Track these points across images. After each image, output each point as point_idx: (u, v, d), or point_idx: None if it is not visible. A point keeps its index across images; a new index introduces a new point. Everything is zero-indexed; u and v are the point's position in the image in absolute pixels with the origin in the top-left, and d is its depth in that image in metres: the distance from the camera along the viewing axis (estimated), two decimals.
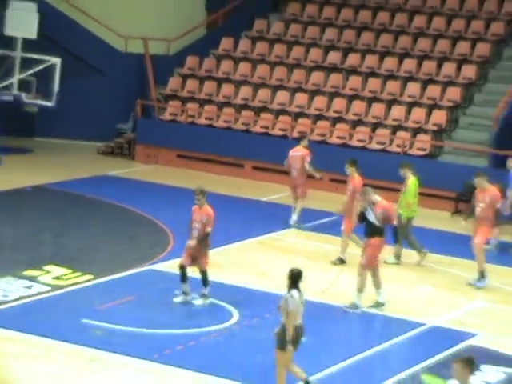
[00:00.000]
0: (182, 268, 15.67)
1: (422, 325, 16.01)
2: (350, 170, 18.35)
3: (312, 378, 12.90)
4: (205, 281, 16.15)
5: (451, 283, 18.45)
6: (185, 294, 15.77)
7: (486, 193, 17.73)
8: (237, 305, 16.33)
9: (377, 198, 16.18)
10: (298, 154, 20.34)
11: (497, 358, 14.83)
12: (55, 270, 17.75)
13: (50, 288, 16.70)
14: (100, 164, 26.57)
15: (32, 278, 17.19)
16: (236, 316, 15.86)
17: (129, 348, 13.97)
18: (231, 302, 16.41)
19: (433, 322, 16.18)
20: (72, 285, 17.06)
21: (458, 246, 20.29)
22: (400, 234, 19.17)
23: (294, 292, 12.34)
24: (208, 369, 13.79)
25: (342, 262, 18.41)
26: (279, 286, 15.36)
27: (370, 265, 16.11)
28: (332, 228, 20.87)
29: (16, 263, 17.99)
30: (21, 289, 16.74)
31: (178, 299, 16.04)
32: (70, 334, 14.65)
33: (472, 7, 27.79)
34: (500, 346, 15.29)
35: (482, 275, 17.89)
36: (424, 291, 17.83)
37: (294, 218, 20.90)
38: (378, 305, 16.29)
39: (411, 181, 19.19)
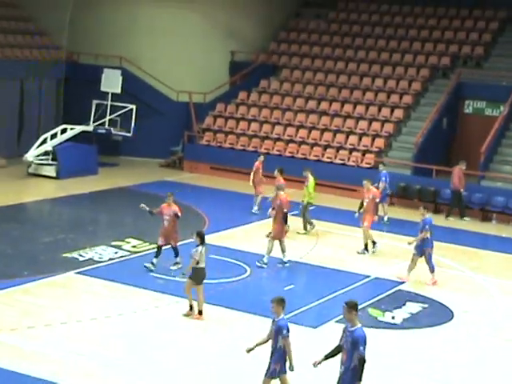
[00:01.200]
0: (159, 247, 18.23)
1: (368, 276, 19.29)
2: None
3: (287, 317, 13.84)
4: (176, 253, 18.43)
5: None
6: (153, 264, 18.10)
7: (370, 192, 21.43)
8: (249, 264, 19.43)
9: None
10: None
11: (415, 298, 17.90)
12: (133, 241, 20.72)
13: (129, 253, 19.72)
14: (161, 173, 30.89)
15: (118, 247, 20.15)
16: (249, 271, 19.06)
17: (181, 292, 16.27)
18: (245, 262, 19.55)
19: (375, 275, 19.28)
20: (143, 251, 19.94)
21: (396, 226, 24.51)
22: (302, 213, 23.06)
23: (199, 247, 15.53)
24: (233, 305, 16.41)
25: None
26: (277, 253, 19.44)
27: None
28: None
29: (107, 237, 21.21)
30: (111, 253, 19.63)
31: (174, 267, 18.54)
32: (142, 282, 17.45)
33: (400, 72, 32.34)
34: (418, 289, 18.48)
35: (365, 247, 21.29)
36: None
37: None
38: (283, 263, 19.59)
39: (311, 179, 23.10)
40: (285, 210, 19.45)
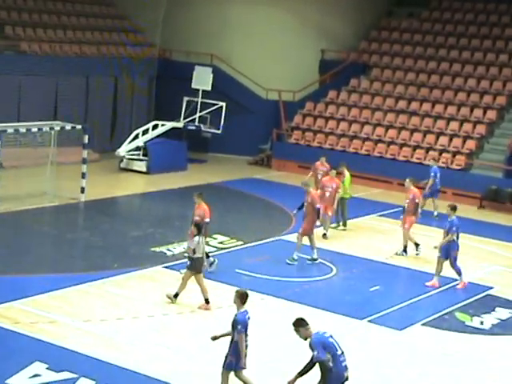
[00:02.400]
0: None
1: (456, 280, 18.70)
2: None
3: (370, 318, 15.73)
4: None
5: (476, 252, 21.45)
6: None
7: (411, 192, 20.76)
8: (335, 263, 19.59)
9: None
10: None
11: (506, 303, 17.65)
12: (220, 237, 20.90)
13: (215, 249, 19.89)
14: (249, 170, 31.36)
15: (205, 242, 19.68)
16: (334, 270, 19.15)
17: (265, 289, 16.99)
18: (330, 261, 19.68)
19: (464, 278, 18.66)
20: (230, 247, 20.29)
21: (485, 229, 24.53)
22: (340, 209, 22.66)
23: (196, 238, 15.84)
24: (317, 304, 16.31)
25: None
26: (363, 253, 20.23)
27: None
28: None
29: None
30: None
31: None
32: (227, 278, 17.55)
33: (494, 72, 31.95)
34: (508, 295, 18.14)
35: (405, 249, 20.68)
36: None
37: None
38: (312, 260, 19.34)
39: (347, 174, 22.91)
40: (317, 206, 19.34)
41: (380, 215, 25.15)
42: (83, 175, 23.98)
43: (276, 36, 33.72)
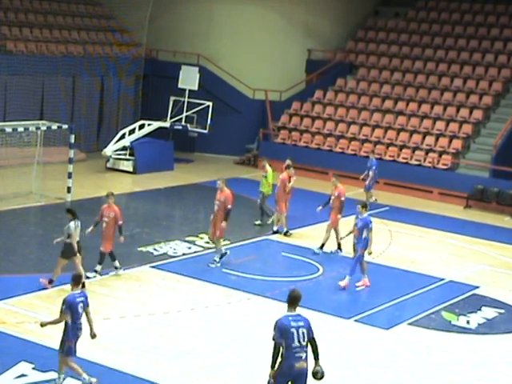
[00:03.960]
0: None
1: (442, 279, 19.11)
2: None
3: (356, 318, 15.65)
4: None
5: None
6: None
7: (337, 189, 20.36)
8: (322, 263, 19.56)
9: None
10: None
11: (491, 303, 17.65)
12: (206, 237, 20.57)
13: (202, 248, 19.95)
14: (235, 170, 31.12)
15: (191, 242, 20.45)
16: (321, 270, 19.11)
17: (252, 288, 17.01)
18: (318, 261, 19.71)
19: (450, 278, 19.05)
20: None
21: (472, 229, 24.47)
22: (261, 203, 22.60)
23: (72, 223, 16.04)
24: (304, 304, 15.68)
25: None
26: (349, 252, 18.95)
27: None
28: None
29: (181, 232, 21.49)
30: (184, 248, 19.88)
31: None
32: (214, 277, 17.70)
33: (480, 72, 32.04)
34: (494, 295, 18.16)
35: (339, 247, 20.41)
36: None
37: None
38: None
39: (270, 170, 22.70)
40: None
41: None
42: (69, 175, 23.94)
43: (263, 36, 33.84)
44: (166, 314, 15.51)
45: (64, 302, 11.73)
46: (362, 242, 17.63)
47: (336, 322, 15.75)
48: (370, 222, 17.77)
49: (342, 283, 17.71)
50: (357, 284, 17.95)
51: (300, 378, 10.49)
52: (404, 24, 35.57)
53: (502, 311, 17.19)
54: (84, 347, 13.50)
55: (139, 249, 19.42)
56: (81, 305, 11.81)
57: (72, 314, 11.73)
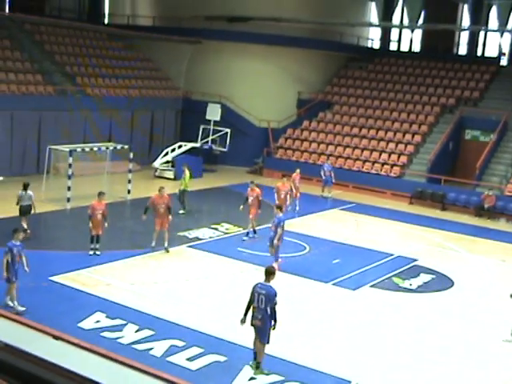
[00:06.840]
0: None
1: (392, 254, 18.85)
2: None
3: (333, 282, 15.20)
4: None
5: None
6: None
7: (255, 191, 19.01)
8: (308, 243, 19.27)
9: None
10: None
11: (427, 270, 17.48)
12: (226, 225, 20.60)
13: (223, 233, 19.63)
14: (246, 177, 29.33)
15: (215, 229, 20.20)
16: (307, 248, 18.84)
17: (258, 261, 16.55)
18: (305, 241, 19.38)
19: (398, 253, 18.82)
20: (234, 232, 19.95)
21: (413, 219, 23.78)
22: (181, 197, 21.68)
23: (21, 191, 16.39)
24: (296, 272, 16.14)
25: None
26: (328, 236, 19.42)
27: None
28: None
29: (208, 221, 21.16)
30: (210, 233, 19.57)
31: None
32: (232, 254, 17.44)
33: (419, 108, 31.55)
34: (429, 265, 17.86)
35: (254, 231, 18.99)
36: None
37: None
38: None
39: (187, 172, 21.97)
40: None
41: (340, 209, 24.89)
42: (129, 181, 23.82)
43: (266, 82, 33.36)
44: (196, 279, 15.30)
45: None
46: (277, 235, 16.09)
47: (318, 285, 15.64)
48: (283, 220, 16.34)
49: (275, 265, 15.44)
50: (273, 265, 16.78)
51: (256, 331, 10.07)
52: (366, 74, 35.25)
53: (434, 276, 17.05)
54: (139, 301, 13.44)
55: (178, 233, 19.08)
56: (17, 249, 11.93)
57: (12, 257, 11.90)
